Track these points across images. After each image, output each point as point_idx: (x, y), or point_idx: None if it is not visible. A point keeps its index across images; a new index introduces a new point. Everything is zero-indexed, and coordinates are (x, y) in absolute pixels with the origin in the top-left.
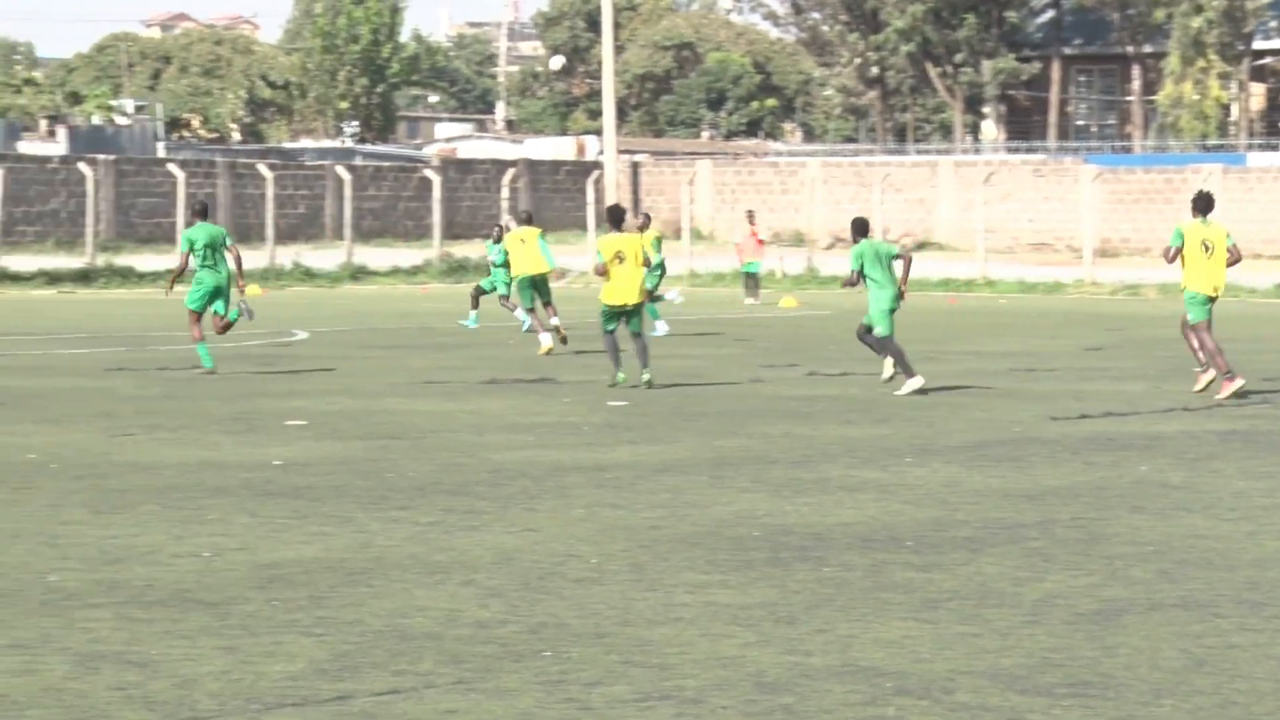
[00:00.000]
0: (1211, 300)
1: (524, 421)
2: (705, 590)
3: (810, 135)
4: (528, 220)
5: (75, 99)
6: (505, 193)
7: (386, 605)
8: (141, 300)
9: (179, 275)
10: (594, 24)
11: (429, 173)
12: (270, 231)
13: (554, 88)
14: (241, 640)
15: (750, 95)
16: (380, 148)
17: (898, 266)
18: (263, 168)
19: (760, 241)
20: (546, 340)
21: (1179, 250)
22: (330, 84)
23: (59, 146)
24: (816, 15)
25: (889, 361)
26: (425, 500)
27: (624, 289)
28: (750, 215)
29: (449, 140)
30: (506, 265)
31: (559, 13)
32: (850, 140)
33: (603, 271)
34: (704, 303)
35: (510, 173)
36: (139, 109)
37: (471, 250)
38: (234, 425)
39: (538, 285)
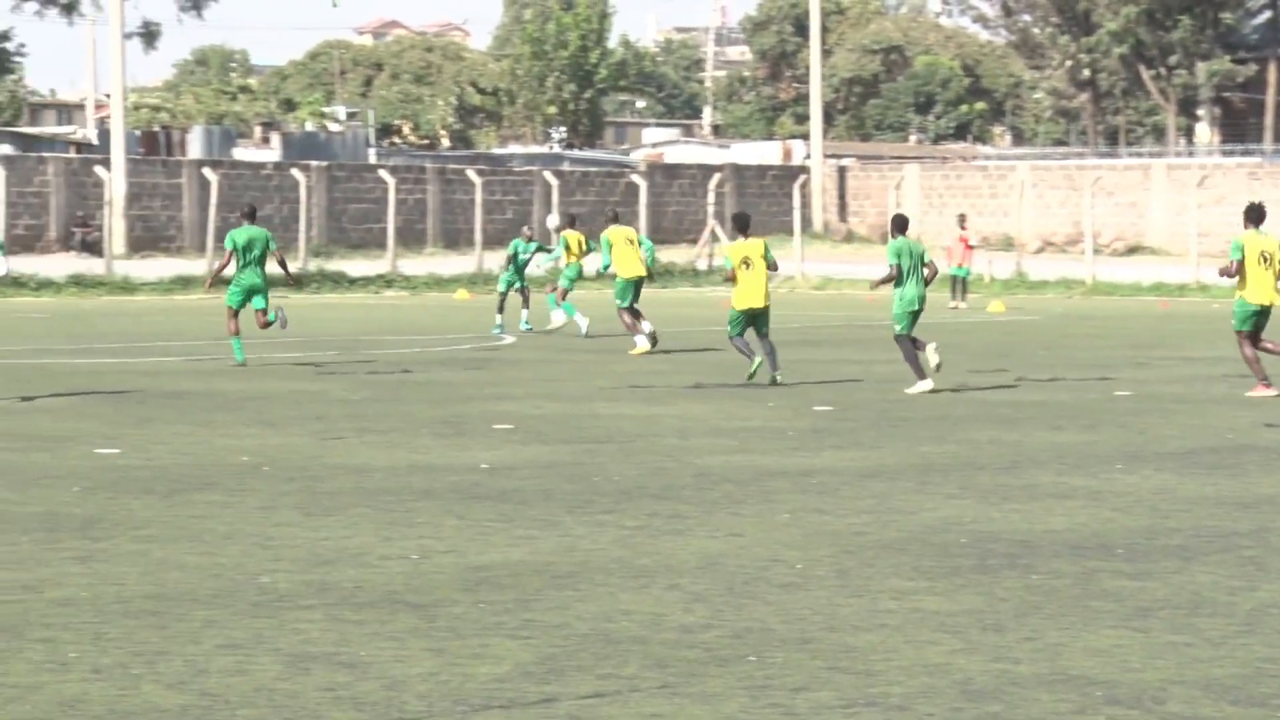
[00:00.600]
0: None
1: (729, 426)
2: (911, 596)
3: (1020, 139)
4: (614, 219)
5: (289, 106)
6: (711, 198)
7: (592, 609)
8: (352, 305)
9: (218, 275)
10: (801, 28)
11: (635, 178)
12: (479, 236)
13: (761, 92)
14: (449, 642)
15: (959, 98)
16: (587, 153)
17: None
18: (471, 173)
19: (969, 246)
20: (642, 343)
21: (1240, 263)
22: (539, 90)
23: (273, 153)
24: (1027, 17)
25: (931, 348)
26: (630, 504)
27: (753, 293)
28: (962, 219)
29: (655, 145)
30: (519, 268)
31: (766, 17)
32: (1060, 143)
33: (732, 277)
34: None
35: (716, 177)
36: (351, 116)
37: (677, 255)
38: (442, 429)
39: (638, 288)
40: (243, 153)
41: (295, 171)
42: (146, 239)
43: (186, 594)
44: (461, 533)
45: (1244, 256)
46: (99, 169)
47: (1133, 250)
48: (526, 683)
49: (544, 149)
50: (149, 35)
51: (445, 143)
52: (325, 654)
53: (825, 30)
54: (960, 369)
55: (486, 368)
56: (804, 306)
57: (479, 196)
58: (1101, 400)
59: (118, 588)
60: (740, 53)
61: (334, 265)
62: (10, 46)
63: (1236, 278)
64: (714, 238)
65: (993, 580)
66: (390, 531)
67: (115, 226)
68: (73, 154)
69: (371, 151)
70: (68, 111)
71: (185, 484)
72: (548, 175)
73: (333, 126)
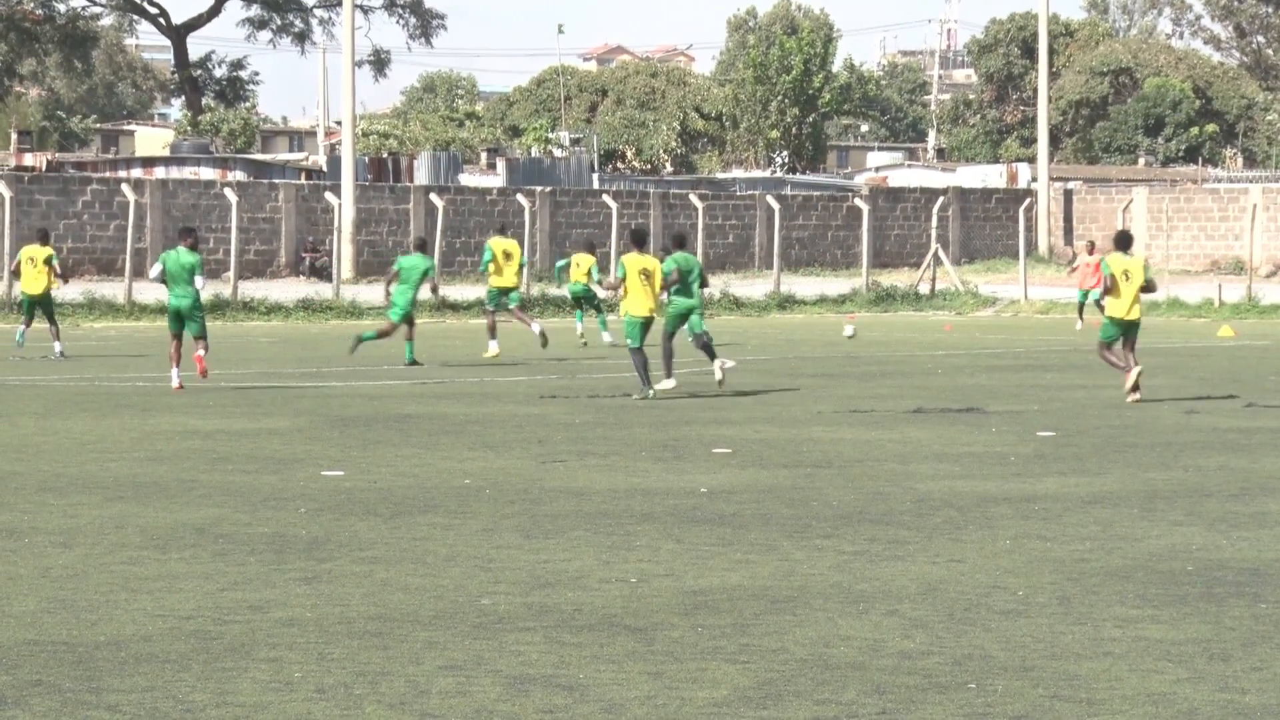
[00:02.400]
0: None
1: (950, 451)
2: (1135, 625)
3: (1252, 161)
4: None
5: (514, 132)
6: (934, 221)
7: (810, 634)
8: (569, 329)
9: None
10: (1029, 50)
11: (858, 201)
12: (700, 260)
13: (986, 115)
14: (667, 666)
15: (1190, 121)
16: (810, 177)
17: None
18: (694, 198)
19: (1097, 268)
20: (494, 347)
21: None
22: (762, 114)
23: (498, 179)
24: (1261, 39)
25: (718, 364)
26: (850, 529)
27: (647, 303)
28: (1091, 246)
29: (879, 169)
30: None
31: (993, 40)
32: None
33: (617, 286)
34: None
35: (940, 201)
36: (575, 141)
37: (900, 279)
38: (662, 452)
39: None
40: (469, 178)
41: (520, 197)
42: (374, 264)
43: (409, 615)
44: (680, 556)
45: (1113, 274)
46: (329, 195)
47: None
48: (744, 707)
49: (766, 173)
50: (379, 63)
51: (668, 167)
52: (544, 676)
53: (1053, 52)
54: (1188, 394)
55: (706, 392)
56: (1029, 331)
57: (700, 220)
58: None
59: (341, 608)
60: (966, 75)
61: (557, 290)
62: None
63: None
64: (937, 261)
65: (1219, 609)
66: (609, 555)
67: (344, 251)
68: (303, 180)
69: (595, 176)
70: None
71: (408, 506)
72: (770, 199)
73: (557, 152)
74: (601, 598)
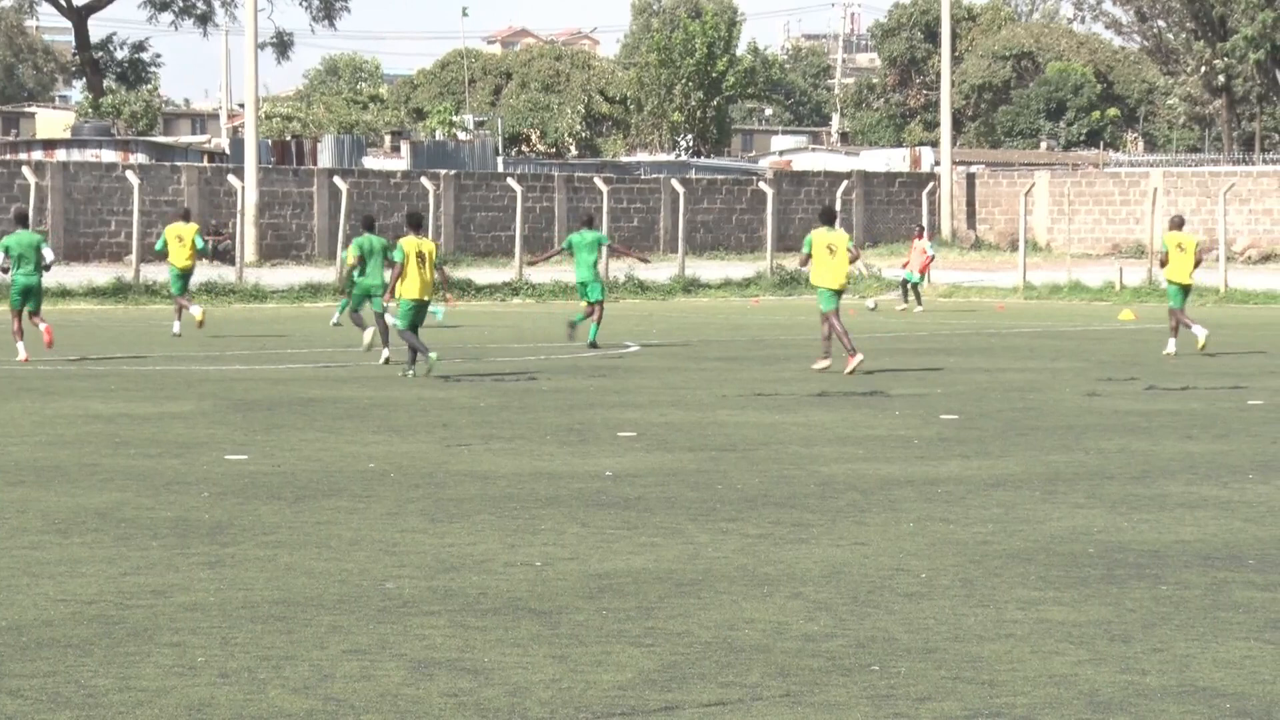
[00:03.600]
0: (839, 293)
1: (854, 434)
2: (1037, 607)
3: (1153, 145)
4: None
5: (419, 115)
6: (839, 205)
7: (715, 617)
8: (479, 312)
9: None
10: (931, 34)
11: (763, 185)
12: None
13: (889, 99)
14: (572, 649)
15: (1091, 105)
16: (714, 161)
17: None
18: (598, 181)
19: (928, 255)
20: (369, 336)
21: (809, 255)
22: (666, 97)
23: (403, 162)
24: (1161, 23)
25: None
26: (754, 512)
27: (423, 286)
28: (920, 230)
29: (783, 153)
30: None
31: (896, 24)
32: (1194, 150)
33: (401, 273)
34: (1038, 315)
35: (844, 185)
36: (480, 124)
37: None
38: (567, 436)
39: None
40: (373, 161)
41: (424, 180)
42: (277, 247)
43: (313, 599)
44: (585, 540)
45: (812, 250)
46: (231, 178)
47: (1267, 258)
48: (649, 690)
49: (671, 157)
50: (282, 45)
51: (573, 151)
52: (449, 660)
53: (955, 36)
54: (1089, 378)
55: (611, 375)
56: (931, 314)
57: (605, 204)
58: (1234, 409)
59: (245, 593)
60: (869, 60)
61: (462, 273)
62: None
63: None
64: None
65: (1121, 591)
66: (514, 538)
67: (247, 235)
68: (206, 163)
69: (500, 160)
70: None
71: (313, 490)
72: (674, 183)
73: (461, 135)
74: (506, 581)
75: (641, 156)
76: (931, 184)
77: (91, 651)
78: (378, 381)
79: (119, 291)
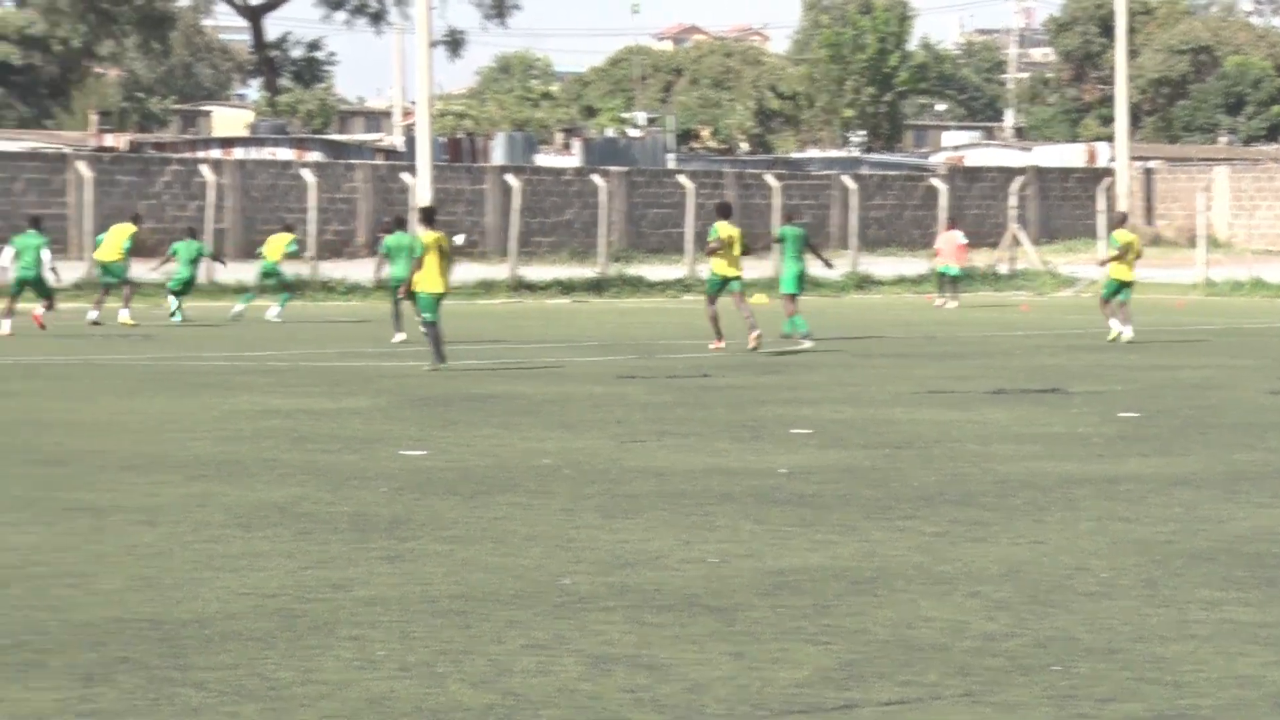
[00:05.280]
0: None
1: (1031, 432)
2: (1222, 607)
3: None
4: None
5: (590, 112)
6: (1013, 200)
7: (892, 615)
8: (652, 309)
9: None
10: (1107, 28)
11: (935, 181)
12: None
13: (1064, 94)
14: (748, 646)
15: (1271, 99)
16: (886, 157)
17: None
18: (770, 178)
19: (963, 247)
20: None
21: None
22: (837, 93)
23: (574, 159)
24: None
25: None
26: (930, 510)
27: (442, 279)
28: (952, 222)
29: (956, 148)
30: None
31: (1071, 18)
32: None
33: (420, 264)
34: (1218, 312)
35: (1018, 180)
36: (651, 121)
37: (978, 259)
38: (741, 432)
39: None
40: (544, 159)
41: (595, 177)
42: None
43: (490, 594)
44: (760, 537)
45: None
46: (405, 175)
47: None
48: (827, 688)
49: (842, 153)
50: (454, 43)
51: (744, 147)
52: (626, 656)
53: (1132, 30)
54: (1271, 375)
55: (784, 372)
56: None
57: (777, 201)
58: None
59: (424, 587)
60: (1044, 54)
61: (633, 270)
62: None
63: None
64: (1015, 242)
65: None
66: (689, 535)
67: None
68: (380, 161)
69: (671, 157)
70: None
71: (488, 486)
72: (846, 179)
73: (632, 132)
74: (682, 578)
75: (813, 153)
76: (1107, 180)
77: (274, 644)
78: (552, 378)
79: (296, 288)
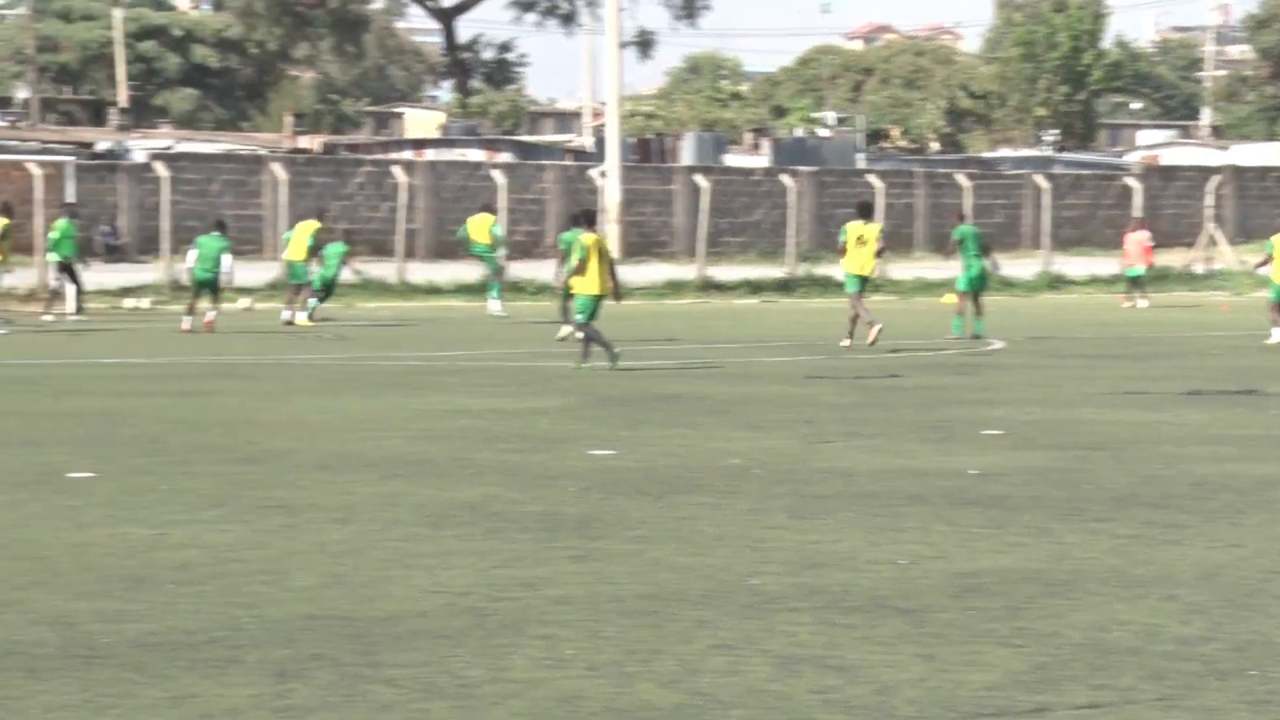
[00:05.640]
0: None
1: (1228, 433)
2: None
3: None
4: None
5: (779, 112)
6: (1209, 200)
7: (1085, 618)
8: (840, 309)
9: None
10: None
11: (1130, 180)
12: None
13: (1263, 92)
14: (938, 648)
15: None
16: (1080, 156)
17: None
18: (961, 177)
19: (1149, 248)
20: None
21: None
22: (1030, 92)
23: (763, 159)
24: None
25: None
26: (1124, 512)
27: (600, 281)
28: (1138, 222)
29: (1151, 147)
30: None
31: (1269, 15)
32: None
33: (580, 269)
34: None
35: (1215, 180)
36: (840, 121)
37: (1174, 258)
38: (930, 433)
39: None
40: (733, 159)
41: (784, 177)
42: (640, 244)
43: (678, 594)
44: (950, 538)
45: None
46: (595, 175)
47: None
48: (1018, 691)
49: (1035, 152)
50: (644, 44)
51: (934, 147)
52: (815, 657)
53: None
54: None
55: (975, 373)
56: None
57: (968, 201)
58: None
59: (612, 586)
60: (1241, 51)
61: (822, 270)
62: (511, 57)
63: None
64: (1212, 242)
65: None
66: (878, 536)
67: (611, 232)
68: (570, 161)
69: (860, 156)
70: (565, 120)
71: (676, 486)
72: (1038, 179)
73: (822, 132)
74: (871, 579)
75: (1005, 152)
76: None
77: (464, 642)
78: (739, 378)
79: (485, 288)
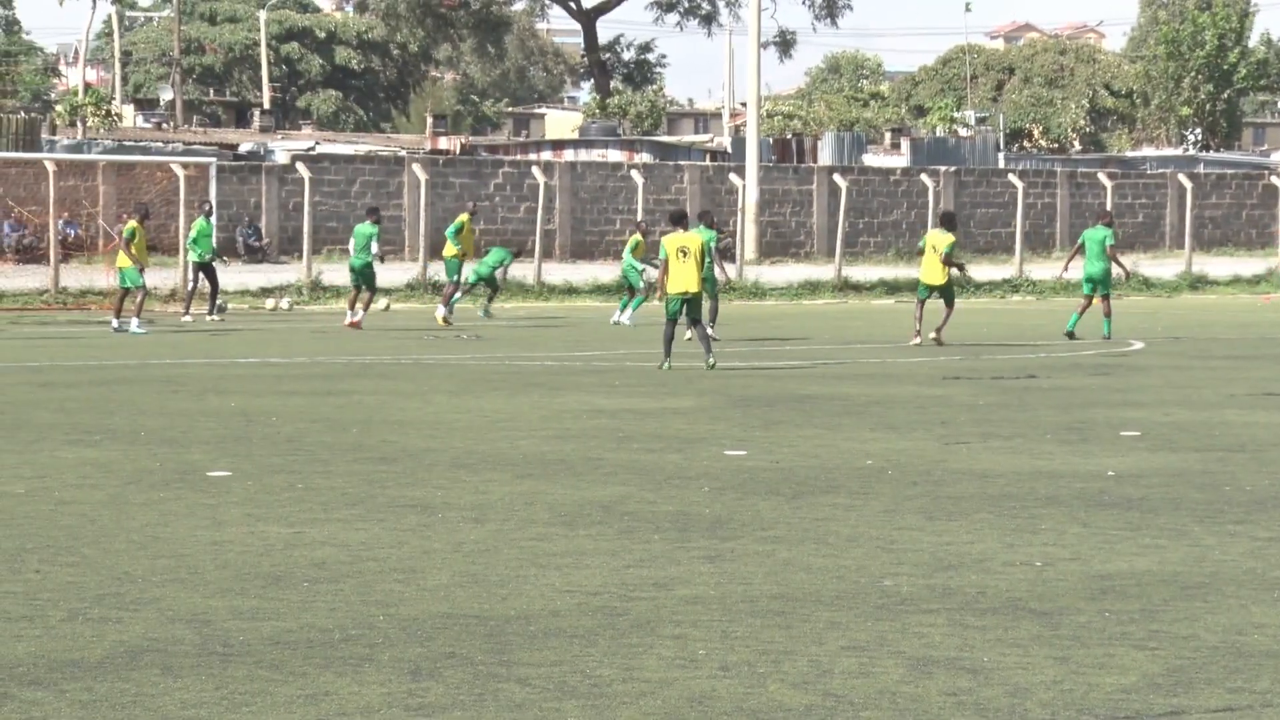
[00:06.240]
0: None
1: None
2: None
3: None
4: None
5: (919, 111)
6: None
7: (1222, 621)
8: (979, 309)
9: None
10: None
11: (1275, 180)
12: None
13: None
14: (1073, 651)
15: None
16: (1223, 155)
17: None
18: (1102, 176)
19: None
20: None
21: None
22: (1174, 91)
23: (902, 159)
24: None
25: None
26: (1264, 515)
27: (686, 279)
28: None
29: None
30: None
31: None
32: None
33: (665, 269)
34: None
35: None
36: (981, 120)
37: None
38: (1067, 435)
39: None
40: (872, 159)
41: (924, 177)
42: (777, 244)
43: (811, 595)
44: (1086, 540)
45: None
46: (732, 176)
47: None
48: (1153, 694)
49: (1178, 152)
50: (785, 44)
51: (1076, 146)
52: (948, 659)
53: None
54: None
55: (1113, 374)
56: None
57: (1109, 200)
58: None
59: (744, 587)
60: None
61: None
62: (652, 57)
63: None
64: None
65: None
66: (1014, 538)
67: (748, 232)
68: (708, 161)
69: (1000, 156)
70: (704, 120)
71: (810, 486)
72: (1181, 178)
73: (962, 131)
74: (1005, 581)
75: (1147, 151)
76: None
77: (596, 642)
78: (875, 379)
79: (621, 290)
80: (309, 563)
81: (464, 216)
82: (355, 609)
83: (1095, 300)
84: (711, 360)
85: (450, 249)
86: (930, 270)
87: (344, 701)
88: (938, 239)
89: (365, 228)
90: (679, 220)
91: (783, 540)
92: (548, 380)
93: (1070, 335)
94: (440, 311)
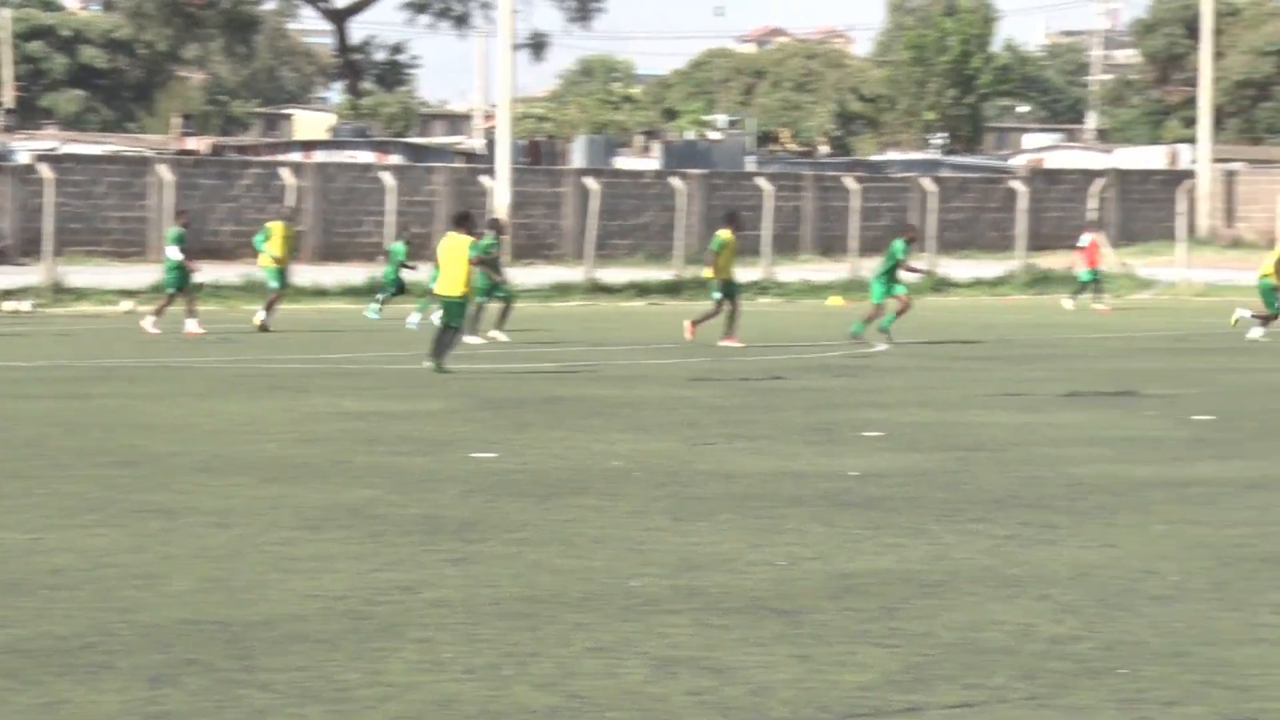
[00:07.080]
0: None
1: (1104, 435)
2: None
3: None
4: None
5: (670, 115)
6: (1092, 203)
7: (960, 618)
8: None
9: None
10: (1192, 30)
11: (1015, 183)
12: (854, 244)
13: (1148, 95)
14: (814, 649)
15: None
16: (967, 159)
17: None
18: (849, 180)
19: (1097, 249)
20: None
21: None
22: (919, 95)
23: (654, 162)
24: None
25: None
26: (1002, 513)
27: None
28: (1090, 224)
29: (1036, 150)
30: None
31: (1156, 20)
32: None
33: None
34: None
35: (1098, 183)
36: (732, 124)
37: (1057, 261)
38: (812, 435)
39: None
40: (624, 162)
41: (674, 180)
42: (529, 246)
43: (557, 597)
44: (829, 540)
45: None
46: (485, 178)
47: None
48: (892, 691)
49: (923, 155)
50: (537, 46)
51: (824, 150)
52: (692, 658)
53: (1217, 32)
54: None
55: (859, 375)
56: (1186, 314)
57: (855, 204)
58: None
59: (491, 589)
60: (1128, 56)
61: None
62: (403, 59)
63: None
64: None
65: None
66: (758, 537)
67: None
68: (460, 164)
69: (750, 159)
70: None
71: (559, 488)
72: (925, 182)
73: (712, 135)
74: (750, 580)
75: (893, 155)
76: (1188, 182)
77: (341, 646)
78: (624, 380)
79: (372, 291)
80: (46, 569)
81: (274, 223)
82: (93, 616)
83: (901, 299)
84: (432, 365)
85: (264, 259)
86: (719, 270)
87: (81, 710)
88: (727, 237)
89: (171, 231)
90: (461, 222)
91: (530, 542)
92: (295, 383)
93: (885, 332)
94: (260, 316)
